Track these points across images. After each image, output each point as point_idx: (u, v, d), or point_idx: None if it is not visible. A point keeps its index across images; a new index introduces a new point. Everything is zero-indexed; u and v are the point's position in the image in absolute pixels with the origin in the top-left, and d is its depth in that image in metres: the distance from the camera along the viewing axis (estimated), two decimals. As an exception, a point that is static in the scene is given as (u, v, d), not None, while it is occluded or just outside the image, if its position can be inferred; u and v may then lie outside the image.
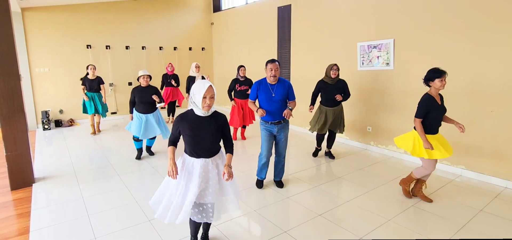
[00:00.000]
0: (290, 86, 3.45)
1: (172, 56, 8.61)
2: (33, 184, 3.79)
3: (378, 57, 4.90)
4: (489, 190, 3.63)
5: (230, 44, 8.59)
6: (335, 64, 4.33)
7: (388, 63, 4.77)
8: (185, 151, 2.25)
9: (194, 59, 8.87)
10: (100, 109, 6.18)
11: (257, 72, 7.44)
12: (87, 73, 6.02)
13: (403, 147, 3.24)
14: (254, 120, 5.74)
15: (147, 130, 4.51)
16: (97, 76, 6.10)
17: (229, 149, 2.28)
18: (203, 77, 6.29)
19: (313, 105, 4.52)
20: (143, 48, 8.13)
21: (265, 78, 3.42)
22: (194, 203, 2.20)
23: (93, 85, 6.02)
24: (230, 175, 2.16)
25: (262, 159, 3.56)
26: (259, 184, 3.69)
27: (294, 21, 6.43)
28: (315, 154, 4.81)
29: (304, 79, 6.22)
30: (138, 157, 4.72)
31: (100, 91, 6.18)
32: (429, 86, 3.08)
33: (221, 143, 2.32)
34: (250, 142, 5.74)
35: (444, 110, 3.13)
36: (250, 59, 7.77)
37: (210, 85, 2.06)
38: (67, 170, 4.28)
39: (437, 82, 2.98)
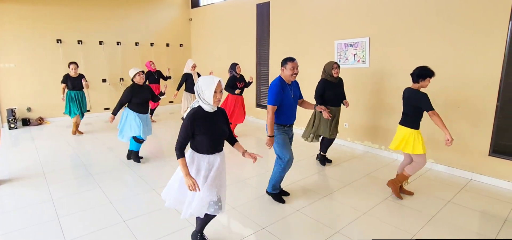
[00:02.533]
0: (298, 84, 3.27)
1: (148, 52, 8.38)
2: (-3, 187, 3.57)
3: (354, 55, 5.02)
4: (456, 182, 3.83)
5: (209, 40, 8.49)
6: (336, 63, 4.09)
7: (363, 61, 4.90)
8: (196, 150, 2.22)
9: (172, 56, 8.70)
10: (84, 109, 5.87)
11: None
12: (68, 72, 5.69)
13: (399, 147, 3.25)
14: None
15: (146, 130, 4.30)
16: (80, 74, 5.80)
17: (235, 139, 2.42)
18: (198, 74, 6.33)
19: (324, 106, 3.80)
20: (118, 44, 7.85)
21: (280, 78, 3.05)
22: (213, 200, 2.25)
23: (76, 83, 5.70)
24: (256, 155, 2.29)
25: (288, 165, 3.13)
26: (280, 197, 3.29)
27: (273, 19, 6.45)
28: (323, 162, 4.41)
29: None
30: (137, 160, 4.41)
31: (83, 89, 5.86)
32: (418, 82, 3.11)
33: None
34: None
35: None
36: (229, 56, 7.72)
37: (220, 80, 2.10)
38: (35, 171, 4.06)
39: (427, 81, 3.08)
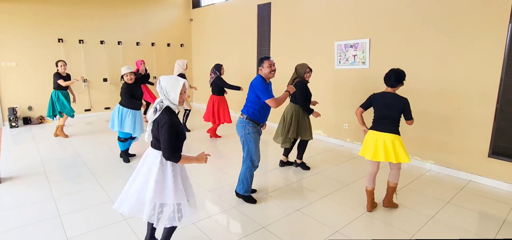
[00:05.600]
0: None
1: (149, 52, 8.40)
2: (-1, 185, 3.59)
3: (354, 56, 5.04)
4: (455, 183, 3.85)
5: (210, 41, 8.51)
6: (308, 66, 3.95)
7: (364, 62, 4.92)
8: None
9: (173, 56, 8.72)
10: (68, 109, 5.60)
11: (236, 69, 7.44)
12: (58, 70, 5.47)
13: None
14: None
15: (140, 126, 4.38)
16: (67, 73, 5.63)
17: None
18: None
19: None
20: (119, 44, 7.87)
21: (261, 76, 3.07)
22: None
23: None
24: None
25: (254, 169, 3.18)
26: (253, 199, 3.28)
27: (274, 19, 6.47)
28: (304, 167, 4.25)
29: (283, 77, 6.28)
30: (127, 160, 4.42)
31: (67, 89, 5.66)
32: (397, 87, 2.95)
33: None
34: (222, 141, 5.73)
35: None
36: (229, 56, 7.74)
37: (185, 82, 2.11)
38: (37, 170, 4.08)
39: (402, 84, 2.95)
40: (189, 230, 2.70)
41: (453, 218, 3.01)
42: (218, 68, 5.47)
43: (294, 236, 2.68)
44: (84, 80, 7.42)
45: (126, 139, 4.39)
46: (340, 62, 5.23)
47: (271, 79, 3.17)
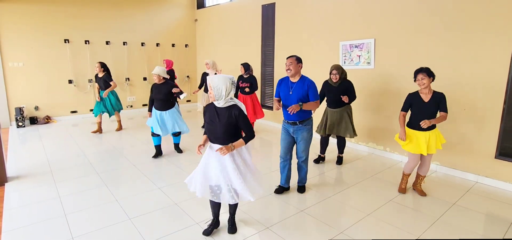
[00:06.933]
0: (311, 85, 3.20)
1: (154, 53, 8.45)
2: (6, 184, 3.63)
3: (359, 56, 5.01)
4: (462, 184, 3.81)
5: (214, 41, 8.53)
6: (335, 69, 4.09)
7: (369, 63, 4.89)
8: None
9: (177, 56, 8.76)
10: (109, 108, 5.97)
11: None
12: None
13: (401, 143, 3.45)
14: (261, 117, 6.02)
15: (164, 126, 4.47)
16: (104, 74, 5.86)
17: (245, 138, 2.46)
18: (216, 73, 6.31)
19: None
20: (124, 44, 7.93)
21: (287, 76, 3.32)
22: (210, 185, 2.48)
23: (100, 83, 5.85)
24: (222, 150, 2.32)
25: (280, 160, 3.46)
26: (278, 189, 3.50)
27: (278, 20, 6.46)
28: (317, 161, 4.54)
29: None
30: (155, 156, 4.62)
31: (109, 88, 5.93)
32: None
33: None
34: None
35: (430, 109, 3.21)
36: (234, 56, 7.75)
37: (210, 80, 2.31)
38: (43, 169, 4.12)
39: (419, 79, 3.24)
40: (193, 229, 2.71)
41: (459, 220, 2.98)
42: (247, 67, 5.74)
43: (298, 237, 2.67)
44: (90, 81, 7.49)
45: (177, 133, 4.73)
46: (345, 62, 5.21)
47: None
